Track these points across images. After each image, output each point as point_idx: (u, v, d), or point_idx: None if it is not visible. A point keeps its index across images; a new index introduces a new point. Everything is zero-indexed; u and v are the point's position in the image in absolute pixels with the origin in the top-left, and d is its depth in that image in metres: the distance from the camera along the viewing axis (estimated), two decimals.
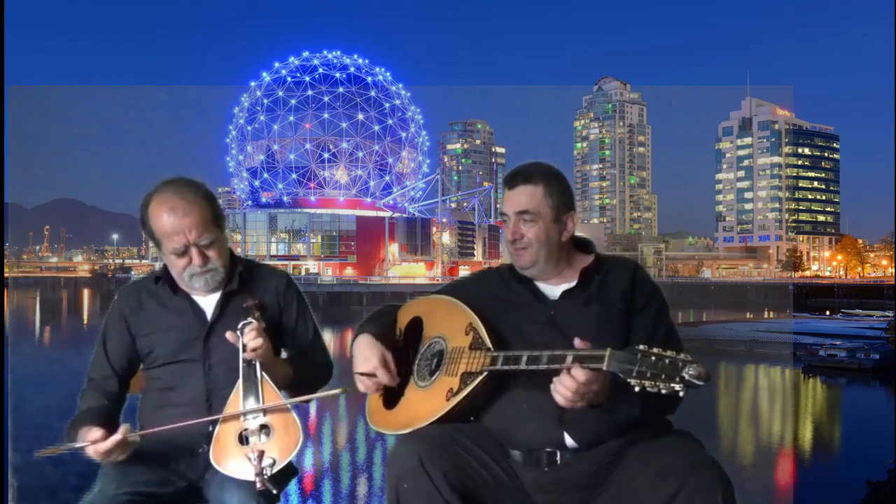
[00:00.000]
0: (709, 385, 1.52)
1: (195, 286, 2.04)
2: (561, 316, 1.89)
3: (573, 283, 1.94)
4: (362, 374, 1.92)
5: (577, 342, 1.68)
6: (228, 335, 1.95)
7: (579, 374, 1.63)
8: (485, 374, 1.80)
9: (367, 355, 1.93)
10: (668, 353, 1.55)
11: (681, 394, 1.53)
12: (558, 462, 1.81)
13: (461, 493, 1.74)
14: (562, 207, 1.94)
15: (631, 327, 1.88)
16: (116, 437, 1.83)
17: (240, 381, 1.93)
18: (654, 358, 1.54)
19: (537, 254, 1.92)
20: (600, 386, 1.66)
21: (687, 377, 1.51)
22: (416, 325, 2.04)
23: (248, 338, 1.92)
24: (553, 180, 1.95)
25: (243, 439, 1.88)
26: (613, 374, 1.62)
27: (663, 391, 1.53)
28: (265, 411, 1.90)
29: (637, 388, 1.55)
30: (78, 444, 1.84)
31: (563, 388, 1.65)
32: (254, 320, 1.95)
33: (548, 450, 1.82)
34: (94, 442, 1.82)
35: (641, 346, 1.57)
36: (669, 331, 1.91)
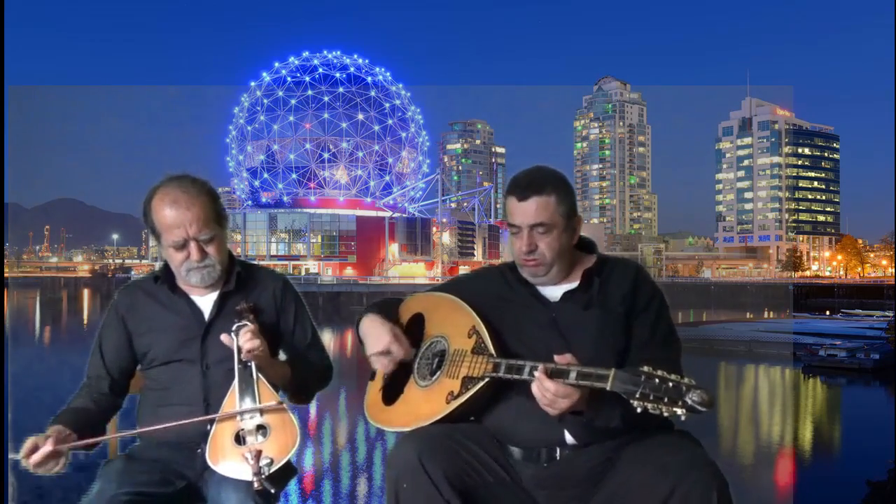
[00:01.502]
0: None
1: (192, 281, 2.04)
2: (562, 318, 1.89)
3: (574, 285, 1.93)
4: (376, 353, 1.92)
5: (557, 358, 1.69)
6: (223, 338, 1.95)
7: (549, 385, 1.66)
8: (486, 380, 1.80)
9: (377, 334, 1.93)
10: (673, 376, 1.55)
11: (682, 418, 1.54)
12: (557, 458, 1.82)
13: (461, 492, 1.75)
14: (571, 213, 1.93)
15: (631, 330, 1.88)
16: (45, 448, 1.81)
17: (235, 382, 1.93)
18: (657, 381, 1.55)
19: (551, 263, 1.92)
20: (575, 401, 1.68)
21: (690, 402, 1.52)
22: (418, 321, 2.04)
23: (244, 339, 1.93)
24: (562, 188, 1.92)
25: (240, 439, 1.88)
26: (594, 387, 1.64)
27: (665, 414, 1.54)
28: (262, 411, 1.90)
29: (639, 410, 1.56)
30: (12, 456, 1.84)
31: (537, 393, 1.69)
32: (248, 322, 1.96)
33: (547, 446, 1.82)
34: (24, 456, 1.81)
35: (646, 368, 1.57)
36: (668, 334, 1.92)
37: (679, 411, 1.53)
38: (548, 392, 1.67)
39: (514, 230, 1.93)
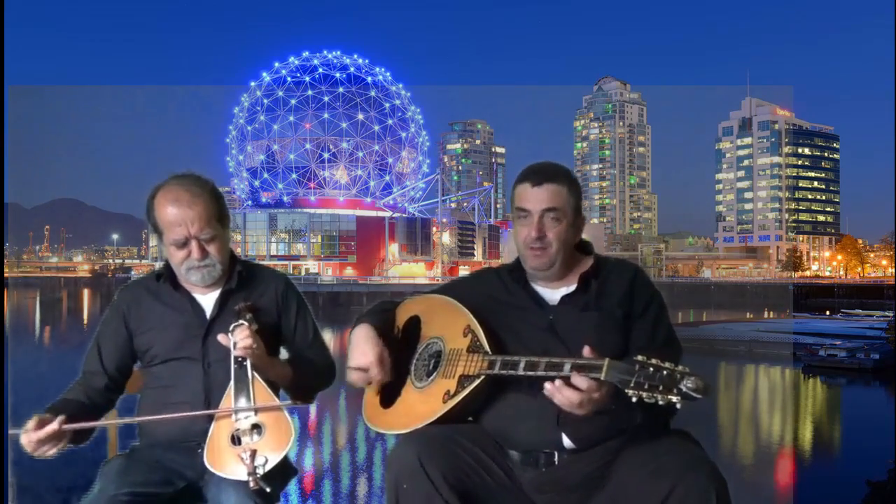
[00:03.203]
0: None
1: (192, 279, 2.05)
2: (560, 322, 1.88)
3: (572, 288, 1.92)
4: (356, 367, 1.92)
5: (586, 350, 1.67)
6: (220, 338, 1.96)
7: (581, 382, 1.63)
8: (482, 377, 1.80)
9: (364, 349, 1.92)
10: (667, 364, 1.55)
11: (678, 405, 1.53)
12: (556, 462, 1.82)
13: (460, 493, 1.74)
14: (578, 210, 1.94)
15: (629, 333, 1.88)
16: (51, 427, 1.81)
17: (231, 382, 1.93)
18: (652, 369, 1.54)
19: (556, 255, 1.90)
20: (602, 394, 1.66)
21: (684, 389, 1.52)
22: (415, 323, 2.04)
23: (237, 337, 1.93)
24: (574, 182, 1.94)
25: (236, 439, 1.88)
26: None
27: (660, 402, 1.53)
28: (256, 410, 1.90)
29: (634, 399, 1.55)
30: (12, 430, 1.83)
31: (564, 398, 1.65)
32: (244, 322, 1.96)
33: (545, 450, 1.82)
34: (26, 431, 1.81)
35: (640, 357, 1.56)
36: (668, 336, 1.91)
37: (674, 399, 1.52)
38: (582, 389, 1.63)
39: (523, 214, 1.91)
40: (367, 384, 1.94)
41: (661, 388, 1.52)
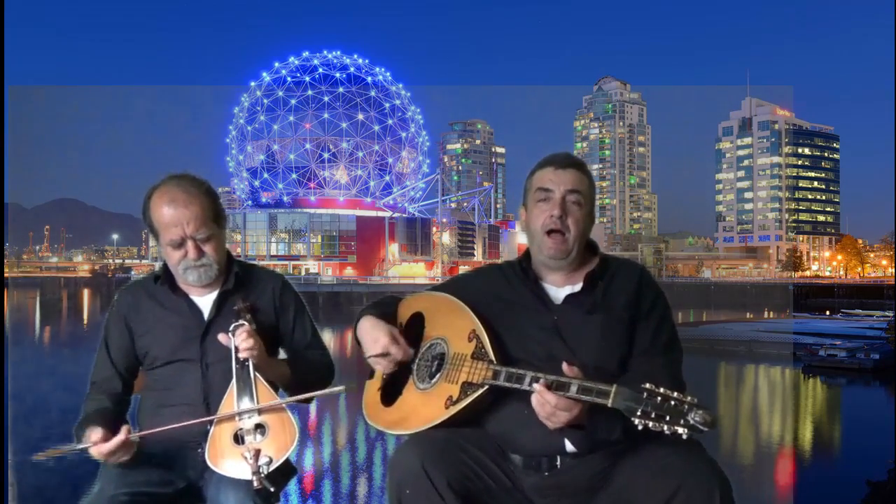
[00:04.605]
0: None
1: (189, 279, 2.05)
2: (564, 323, 1.86)
3: (578, 287, 1.91)
4: (375, 356, 1.91)
5: (565, 367, 1.67)
6: (221, 337, 1.96)
7: (550, 397, 1.65)
8: (486, 387, 1.79)
9: (375, 336, 1.91)
10: (675, 394, 1.54)
11: (683, 437, 1.53)
12: (558, 467, 1.81)
13: (463, 497, 1.74)
14: (593, 205, 1.96)
15: (633, 333, 1.87)
16: (119, 437, 1.84)
17: (233, 381, 1.93)
18: (659, 399, 1.53)
19: (574, 243, 1.89)
20: (575, 414, 1.67)
21: (692, 422, 1.51)
22: (418, 320, 2.02)
23: (240, 339, 1.93)
24: (592, 178, 1.97)
25: (239, 439, 1.88)
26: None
27: (666, 432, 1.53)
28: (260, 410, 1.90)
29: (640, 427, 1.55)
30: (80, 446, 1.85)
31: (537, 405, 1.68)
32: (244, 322, 1.97)
33: (547, 455, 1.81)
34: (95, 443, 1.83)
35: (648, 385, 1.56)
36: (670, 339, 1.90)
37: (681, 430, 1.52)
38: (548, 404, 1.66)
39: (544, 196, 1.90)
40: (395, 365, 1.92)
41: (668, 418, 1.52)
